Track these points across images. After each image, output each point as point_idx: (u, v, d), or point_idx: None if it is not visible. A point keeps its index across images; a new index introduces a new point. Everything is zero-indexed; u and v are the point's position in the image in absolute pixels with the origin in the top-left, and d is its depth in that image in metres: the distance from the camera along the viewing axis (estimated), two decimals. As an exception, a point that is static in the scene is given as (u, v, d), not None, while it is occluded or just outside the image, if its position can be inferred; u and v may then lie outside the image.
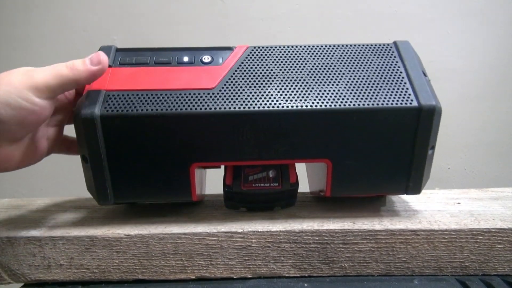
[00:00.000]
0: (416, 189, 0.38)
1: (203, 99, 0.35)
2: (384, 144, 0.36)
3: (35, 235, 0.36)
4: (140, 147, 0.35)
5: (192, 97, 0.35)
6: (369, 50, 0.39)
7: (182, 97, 0.35)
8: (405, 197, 0.46)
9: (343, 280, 0.36)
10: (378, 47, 0.39)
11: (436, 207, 0.42)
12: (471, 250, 0.36)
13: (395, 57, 0.38)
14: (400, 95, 0.35)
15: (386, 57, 0.38)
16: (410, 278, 0.36)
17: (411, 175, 0.37)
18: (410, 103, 0.35)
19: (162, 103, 0.34)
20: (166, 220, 0.39)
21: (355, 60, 0.38)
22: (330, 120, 0.35)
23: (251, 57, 0.38)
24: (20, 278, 0.37)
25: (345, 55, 0.38)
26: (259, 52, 0.39)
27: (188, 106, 0.34)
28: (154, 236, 0.36)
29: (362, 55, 0.39)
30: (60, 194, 0.50)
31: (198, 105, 0.34)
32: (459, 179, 0.85)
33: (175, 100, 0.35)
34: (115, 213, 0.43)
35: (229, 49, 0.39)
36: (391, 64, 0.38)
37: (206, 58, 0.38)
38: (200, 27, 0.83)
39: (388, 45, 0.39)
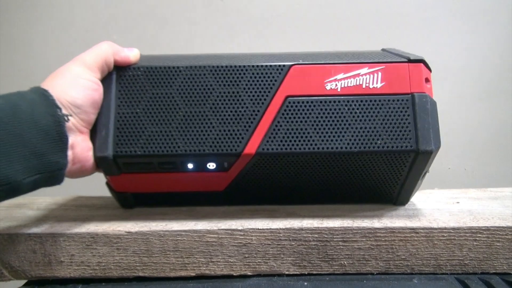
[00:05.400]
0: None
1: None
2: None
3: (36, 231, 0.36)
4: None
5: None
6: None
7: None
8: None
9: (342, 278, 0.37)
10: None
11: (436, 206, 0.42)
12: (470, 248, 0.36)
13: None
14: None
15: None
16: (409, 277, 0.36)
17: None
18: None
19: None
20: (167, 217, 0.39)
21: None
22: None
23: None
24: (21, 275, 0.37)
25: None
26: None
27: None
28: (154, 233, 0.36)
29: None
30: (61, 193, 0.50)
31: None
32: (459, 179, 0.85)
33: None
34: (116, 210, 0.43)
35: None
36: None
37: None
38: (200, 27, 0.83)
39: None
